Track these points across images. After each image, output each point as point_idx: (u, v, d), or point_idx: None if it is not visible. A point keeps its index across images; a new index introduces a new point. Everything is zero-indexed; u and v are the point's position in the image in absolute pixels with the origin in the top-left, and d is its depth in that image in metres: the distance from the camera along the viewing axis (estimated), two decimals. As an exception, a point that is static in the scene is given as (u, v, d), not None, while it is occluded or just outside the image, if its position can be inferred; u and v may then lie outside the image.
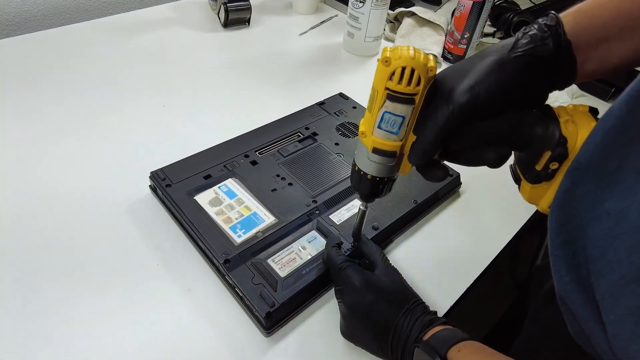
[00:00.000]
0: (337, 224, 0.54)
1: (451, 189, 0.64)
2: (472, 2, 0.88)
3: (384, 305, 0.42)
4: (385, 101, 0.34)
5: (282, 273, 0.48)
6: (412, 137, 0.36)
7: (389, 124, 0.35)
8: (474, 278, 0.54)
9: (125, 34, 0.90)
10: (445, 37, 0.97)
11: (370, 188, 0.40)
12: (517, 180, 0.39)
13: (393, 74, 0.33)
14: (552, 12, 0.35)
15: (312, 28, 1.02)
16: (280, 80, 0.84)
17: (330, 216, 0.55)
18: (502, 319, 0.73)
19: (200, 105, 0.75)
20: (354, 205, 0.57)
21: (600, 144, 0.31)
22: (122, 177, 0.61)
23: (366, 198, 0.44)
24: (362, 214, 0.47)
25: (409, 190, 0.60)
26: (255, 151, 0.63)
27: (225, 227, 0.52)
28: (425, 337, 0.39)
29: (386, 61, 0.33)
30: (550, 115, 0.35)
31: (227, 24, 0.96)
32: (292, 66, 0.88)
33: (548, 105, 0.36)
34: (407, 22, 1.00)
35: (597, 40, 0.35)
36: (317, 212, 0.56)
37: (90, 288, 0.48)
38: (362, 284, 0.43)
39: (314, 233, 0.53)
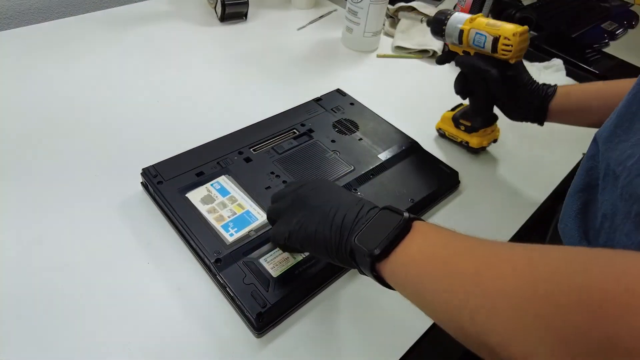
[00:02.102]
0: (332, 222, 0.53)
1: (449, 187, 0.63)
2: (473, -3, 0.87)
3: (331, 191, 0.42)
4: None
5: (275, 273, 0.47)
6: None
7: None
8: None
9: (120, 27, 0.89)
10: (446, 33, 0.96)
11: None
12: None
13: None
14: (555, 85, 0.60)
15: (310, 23, 1.01)
16: (276, 75, 0.83)
17: (325, 215, 0.54)
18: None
19: (194, 101, 0.74)
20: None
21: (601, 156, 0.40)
22: (114, 173, 0.60)
23: None
24: None
25: (406, 189, 0.59)
26: (250, 148, 0.61)
27: (217, 226, 0.51)
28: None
29: None
30: None
31: (224, 18, 0.94)
32: (289, 61, 0.87)
33: None
34: (407, 17, 0.99)
35: (560, 111, 0.60)
36: (312, 210, 0.54)
37: (78, 285, 0.47)
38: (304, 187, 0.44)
39: (307, 232, 0.52)
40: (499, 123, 0.68)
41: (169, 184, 0.55)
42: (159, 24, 0.92)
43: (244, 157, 0.60)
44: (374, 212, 0.37)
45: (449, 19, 0.62)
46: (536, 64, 0.93)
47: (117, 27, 0.89)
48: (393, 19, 1.03)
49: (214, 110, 0.73)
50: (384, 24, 0.98)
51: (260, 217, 0.52)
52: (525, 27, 0.57)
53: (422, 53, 0.94)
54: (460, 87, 0.65)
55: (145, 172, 0.56)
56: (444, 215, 0.61)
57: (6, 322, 0.43)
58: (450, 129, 0.70)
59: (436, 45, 0.93)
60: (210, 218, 0.51)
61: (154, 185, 0.54)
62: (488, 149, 0.71)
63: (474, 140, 0.68)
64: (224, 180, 0.56)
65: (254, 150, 0.61)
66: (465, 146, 0.69)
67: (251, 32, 0.95)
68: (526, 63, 0.92)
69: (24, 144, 0.62)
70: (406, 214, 0.35)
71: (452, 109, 0.72)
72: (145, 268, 0.50)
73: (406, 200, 0.58)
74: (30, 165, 0.59)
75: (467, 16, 0.60)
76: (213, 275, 0.48)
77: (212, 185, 0.55)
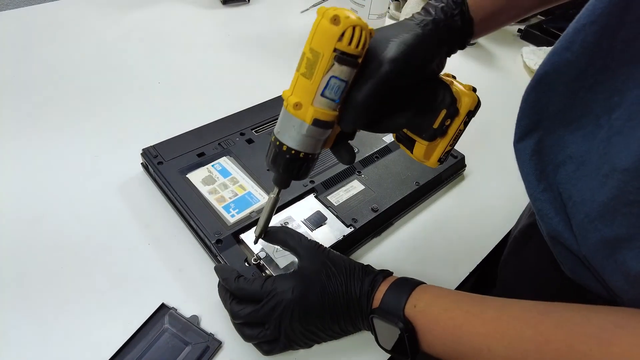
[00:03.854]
0: (335, 205, 0.52)
1: (455, 171, 0.62)
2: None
3: (323, 294, 0.39)
4: (333, 64, 0.32)
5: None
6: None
7: (333, 91, 0.33)
8: (477, 263, 0.52)
9: (121, 9, 0.87)
10: (452, 16, 0.93)
11: (298, 168, 0.36)
12: (409, 143, 0.42)
13: (343, 34, 0.31)
14: None
15: (314, 5, 0.99)
16: (279, 58, 0.81)
17: (328, 197, 0.53)
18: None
19: (196, 82, 0.73)
20: (353, 187, 0.55)
21: (565, 93, 0.34)
22: (114, 154, 0.59)
23: (285, 182, 0.39)
24: (273, 204, 0.41)
25: (411, 172, 0.58)
26: (252, 129, 0.60)
27: (218, 207, 0.50)
28: (376, 303, 0.38)
29: (335, 19, 0.30)
30: (443, 81, 0.40)
31: (226, 0, 0.93)
32: (292, 44, 0.85)
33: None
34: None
35: (489, 14, 0.40)
36: (315, 192, 0.53)
37: (78, 268, 0.46)
38: (292, 288, 0.38)
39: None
40: (502, 106, 0.67)
41: (169, 164, 0.54)
42: (160, 6, 0.90)
43: (246, 138, 0.59)
44: (370, 324, 0.39)
45: None
46: (544, 48, 0.91)
47: (117, 9, 0.87)
48: (398, 1, 1.00)
49: (216, 92, 0.71)
50: (388, 7, 0.96)
51: (262, 198, 0.51)
52: None
53: (428, 36, 0.92)
54: None
55: (146, 153, 0.55)
56: (449, 200, 0.60)
57: (5, 301, 0.43)
58: None
59: (442, 28, 0.91)
60: (212, 199, 0.50)
61: (154, 166, 0.53)
62: (494, 133, 0.70)
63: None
64: (225, 162, 0.55)
65: (255, 131, 0.60)
66: None
67: (254, 15, 0.93)
68: (533, 47, 0.91)
69: (23, 124, 0.61)
70: (400, 325, 0.36)
71: None
72: (146, 249, 0.49)
73: (411, 183, 0.56)
74: (29, 146, 0.58)
75: None
76: (214, 256, 0.47)
77: (213, 166, 0.54)
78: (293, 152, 0.35)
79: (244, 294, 0.40)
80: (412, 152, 0.42)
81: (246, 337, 0.40)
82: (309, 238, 0.43)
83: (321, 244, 0.42)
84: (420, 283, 0.39)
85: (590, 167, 0.32)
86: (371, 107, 0.34)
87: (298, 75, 0.33)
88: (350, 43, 0.31)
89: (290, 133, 0.35)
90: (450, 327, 0.35)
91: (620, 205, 0.29)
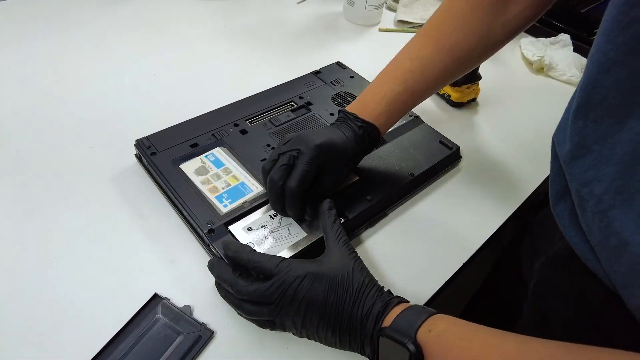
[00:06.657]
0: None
1: (450, 162, 0.61)
2: (479, -32, 0.83)
3: (330, 295, 0.37)
4: None
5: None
6: None
7: None
8: (470, 255, 0.52)
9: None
10: (450, 7, 0.93)
11: None
12: None
13: None
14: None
15: (311, -4, 0.98)
16: (275, 49, 0.81)
17: (321, 188, 0.53)
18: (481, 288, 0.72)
19: (191, 73, 0.73)
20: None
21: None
22: (108, 145, 0.58)
23: None
24: None
25: (406, 163, 0.58)
26: (246, 120, 0.60)
27: (211, 197, 0.50)
28: (386, 323, 0.36)
29: None
30: None
31: (223, -10, 0.92)
32: (288, 35, 0.85)
33: None
34: (410, -10, 0.96)
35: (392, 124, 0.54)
36: (309, 183, 0.53)
37: (72, 257, 0.46)
38: (306, 275, 0.38)
39: (304, 204, 0.51)
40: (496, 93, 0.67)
41: (162, 155, 0.54)
42: (155, -4, 0.90)
43: (240, 129, 0.59)
44: (374, 342, 0.35)
45: None
46: (542, 39, 0.90)
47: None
48: (396, -8, 0.99)
49: (211, 83, 0.71)
50: (386, -2, 0.95)
51: (255, 188, 0.51)
52: None
53: (426, 27, 0.91)
54: None
55: (139, 144, 0.55)
56: (445, 191, 0.59)
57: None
58: None
59: (440, 19, 0.90)
60: (204, 189, 0.50)
61: (147, 157, 0.53)
62: (490, 124, 0.70)
63: (455, 95, 0.72)
64: (218, 152, 0.55)
65: (250, 122, 0.60)
66: (446, 99, 0.73)
67: (250, 5, 0.92)
68: (532, 39, 0.91)
69: (16, 115, 0.61)
70: (411, 346, 0.33)
71: None
72: (139, 240, 0.49)
73: (406, 174, 0.56)
74: (22, 137, 0.58)
75: None
76: (206, 246, 0.47)
77: (206, 156, 0.54)
78: None
79: (257, 267, 0.39)
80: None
81: (246, 312, 0.39)
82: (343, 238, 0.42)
83: (355, 251, 0.42)
84: (438, 312, 0.36)
85: (597, 238, 0.33)
86: None
87: None
88: None
89: None
90: (465, 357, 0.32)
91: None
